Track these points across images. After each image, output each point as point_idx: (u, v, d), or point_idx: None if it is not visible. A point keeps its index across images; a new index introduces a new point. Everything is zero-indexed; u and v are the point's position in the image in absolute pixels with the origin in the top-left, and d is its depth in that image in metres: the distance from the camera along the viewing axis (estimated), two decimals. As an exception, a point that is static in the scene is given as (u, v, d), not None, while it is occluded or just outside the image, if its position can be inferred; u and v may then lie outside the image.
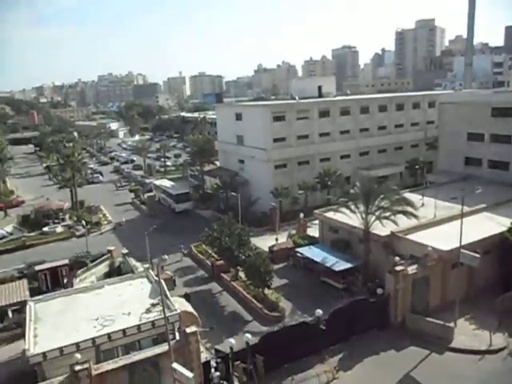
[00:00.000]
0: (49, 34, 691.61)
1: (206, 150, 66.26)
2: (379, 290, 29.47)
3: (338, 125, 58.00)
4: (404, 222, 33.33)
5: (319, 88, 69.01)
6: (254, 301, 32.95)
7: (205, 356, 24.43)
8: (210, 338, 28.14)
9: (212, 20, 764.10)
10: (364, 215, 33.45)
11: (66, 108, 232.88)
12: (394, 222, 32.28)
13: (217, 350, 25.38)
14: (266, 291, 33.07)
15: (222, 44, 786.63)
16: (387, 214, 32.50)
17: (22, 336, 24.06)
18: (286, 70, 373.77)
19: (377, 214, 32.86)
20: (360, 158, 59.84)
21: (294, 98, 63.41)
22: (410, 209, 32.73)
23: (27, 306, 25.82)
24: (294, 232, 45.21)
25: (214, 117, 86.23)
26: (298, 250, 39.17)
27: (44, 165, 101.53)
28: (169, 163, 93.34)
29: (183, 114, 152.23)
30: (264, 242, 43.17)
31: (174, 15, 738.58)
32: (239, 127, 59.20)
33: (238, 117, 59.51)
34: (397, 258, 29.36)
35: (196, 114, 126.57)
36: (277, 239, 43.29)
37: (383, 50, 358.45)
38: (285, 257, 40.50)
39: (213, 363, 23.88)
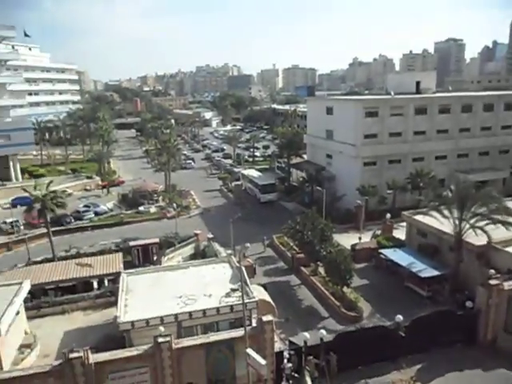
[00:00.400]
0: (154, 26, 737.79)
1: (294, 143, 66.38)
2: (468, 303, 27.48)
3: (435, 123, 54.50)
4: (502, 232, 30.50)
5: (417, 83, 65.26)
6: (332, 298, 32.58)
7: (278, 346, 24.78)
8: (285, 330, 28.42)
9: (308, 14, 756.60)
10: (457, 222, 31.24)
11: (165, 96, 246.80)
12: (486, 234, 29.60)
13: (291, 342, 25.58)
14: (345, 289, 32.51)
15: (317, 36, 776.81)
16: (484, 223, 30.00)
17: (115, 304, 26.43)
18: (382, 63, 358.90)
19: (472, 221, 30.51)
20: (458, 160, 55.74)
21: (389, 93, 60.71)
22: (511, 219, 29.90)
23: (121, 278, 28.24)
24: (378, 232, 43.69)
25: (305, 110, 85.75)
26: (382, 251, 37.86)
27: (143, 149, 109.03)
28: (257, 154, 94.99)
29: (274, 105, 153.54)
30: (346, 240, 42.34)
31: (271, 10, 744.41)
32: (329, 121, 58.30)
33: (329, 111, 58.59)
34: (492, 271, 27.07)
35: (287, 107, 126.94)
36: (360, 238, 42.20)
37: (495, 43, 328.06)
38: (367, 257, 39.39)
39: (286, 354, 24.18)
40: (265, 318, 21.90)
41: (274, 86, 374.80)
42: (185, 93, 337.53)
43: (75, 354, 19.63)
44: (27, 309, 28.78)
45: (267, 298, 28.27)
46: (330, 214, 44.10)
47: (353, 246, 40.42)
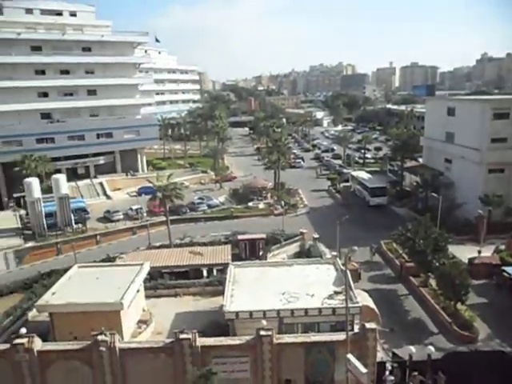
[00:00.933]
0: (270, 27, 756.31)
1: (409, 145, 62.93)
2: None
3: None
4: None
5: None
6: (443, 313, 30.31)
7: (380, 356, 23.88)
8: (388, 340, 27.25)
9: (429, 10, 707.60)
10: None
11: (278, 96, 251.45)
12: None
13: (394, 354, 24.47)
14: (459, 306, 29.97)
15: (439, 32, 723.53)
16: None
17: (222, 293, 27.82)
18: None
19: None
20: None
21: (526, 93, 54.19)
22: None
23: (228, 269, 29.62)
24: (502, 247, 39.43)
25: (423, 110, 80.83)
26: (506, 268, 34.11)
27: (255, 146, 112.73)
28: (368, 155, 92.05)
29: (389, 106, 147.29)
30: (463, 253, 38.84)
31: (388, 7, 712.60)
32: (450, 123, 54.03)
33: (451, 112, 54.29)
34: None
35: (403, 107, 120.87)
36: (479, 252, 38.43)
37: None
38: (487, 273, 35.81)
39: (388, 366, 23.17)
40: (368, 325, 21.24)
41: (389, 85, 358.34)
42: (297, 92, 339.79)
43: (185, 336, 21.17)
44: (145, 288, 31.67)
45: (371, 304, 27.33)
46: (445, 223, 40.94)
47: (470, 260, 37.05)
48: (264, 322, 21.78)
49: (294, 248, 39.84)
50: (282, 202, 54.55)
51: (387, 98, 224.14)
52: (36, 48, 69.02)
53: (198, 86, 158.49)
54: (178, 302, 32.47)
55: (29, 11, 70.67)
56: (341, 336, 21.23)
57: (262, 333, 21.12)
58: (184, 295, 33.24)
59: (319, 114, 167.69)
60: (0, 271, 42.61)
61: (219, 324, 25.75)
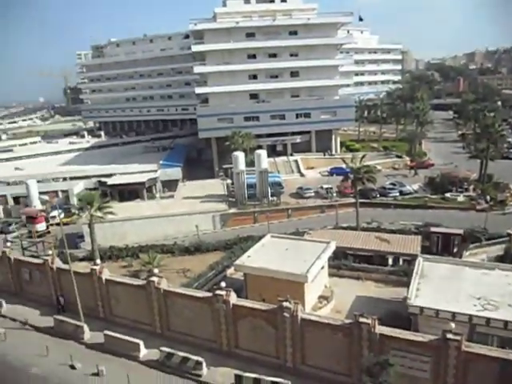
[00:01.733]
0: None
1: None
2: None
3: None
4: None
5: None
6: None
7: None
8: None
9: None
10: None
11: (494, 75, 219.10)
12: None
13: None
14: None
15: None
16: None
17: (406, 285, 26.62)
18: None
19: None
20: None
21: None
22: None
23: (417, 261, 28.07)
24: None
25: None
26: None
27: (459, 132, 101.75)
28: None
29: None
30: None
31: None
32: None
33: None
34: None
35: None
36: None
37: None
38: None
39: None
40: None
41: None
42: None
43: (364, 320, 21.11)
44: (329, 266, 32.60)
45: None
46: None
47: None
48: (452, 325, 20.00)
49: (496, 250, 35.09)
50: (487, 197, 48.32)
51: None
52: (250, 34, 76.04)
53: (399, 66, 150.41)
54: (360, 285, 32.54)
55: (247, 1, 78.04)
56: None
57: (449, 336, 19.47)
58: (366, 280, 33.06)
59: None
60: (208, 230, 49.75)
61: (400, 316, 24.88)
